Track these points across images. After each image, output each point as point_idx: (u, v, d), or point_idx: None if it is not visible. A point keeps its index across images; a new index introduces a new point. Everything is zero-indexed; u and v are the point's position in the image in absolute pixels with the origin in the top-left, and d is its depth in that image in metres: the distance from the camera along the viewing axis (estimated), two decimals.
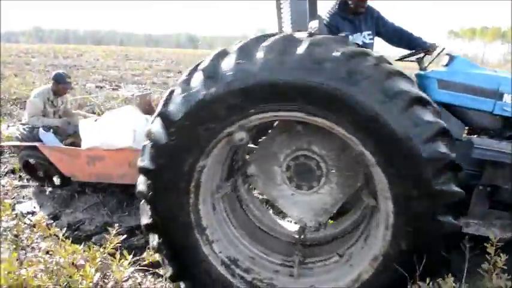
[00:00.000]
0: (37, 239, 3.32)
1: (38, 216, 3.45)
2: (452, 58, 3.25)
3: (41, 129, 5.17)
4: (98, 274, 2.35)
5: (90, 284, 2.22)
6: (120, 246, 3.32)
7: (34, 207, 4.66)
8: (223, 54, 2.37)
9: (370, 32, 3.93)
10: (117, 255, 2.75)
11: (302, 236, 3.18)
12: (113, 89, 13.66)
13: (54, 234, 2.72)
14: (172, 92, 2.44)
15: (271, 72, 2.22)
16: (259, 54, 2.25)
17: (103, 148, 4.51)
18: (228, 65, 2.29)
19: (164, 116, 2.39)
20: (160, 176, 2.46)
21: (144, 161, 2.47)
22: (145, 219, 2.62)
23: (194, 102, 2.31)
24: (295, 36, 2.36)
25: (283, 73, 2.20)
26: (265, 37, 2.40)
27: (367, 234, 2.78)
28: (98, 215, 4.43)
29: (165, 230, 2.59)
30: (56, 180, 5.06)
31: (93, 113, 8.51)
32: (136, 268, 2.87)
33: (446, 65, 3.25)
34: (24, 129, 5.34)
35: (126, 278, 2.63)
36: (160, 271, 3.26)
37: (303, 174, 2.79)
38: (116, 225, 4.13)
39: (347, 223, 3.27)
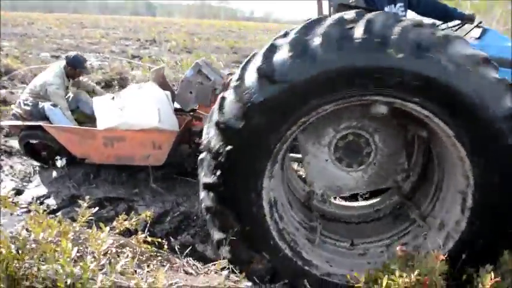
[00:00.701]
0: (3, 216, 3.20)
1: (2, 192, 3.31)
2: (484, 31, 3.22)
3: (48, 104, 4.64)
4: (76, 249, 2.29)
5: (68, 259, 2.16)
6: (90, 219, 3.28)
7: None
8: (273, 49, 2.24)
9: (402, 4, 3.82)
10: (93, 228, 2.70)
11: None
12: None
13: (35, 210, 2.61)
14: (224, 98, 2.32)
15: (352, 58, 2.14)
16: (326, 42, 2.14)
17: (123, 128, 4.14)
18: (283, 59, 2.17)
19: (223, 126, 2.28)
20: (226, 189, 2.38)
21: (208, 176, 2.37)
22: (217, 235, 2.55)
23: (253, 105, 2.21)
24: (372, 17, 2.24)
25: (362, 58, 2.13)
26: (314, 23, 2.27)
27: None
28: (63, 188, 4.29)
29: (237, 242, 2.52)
30: (61, 162, 4.63)
31: None
32: (112, 239, 2.82)
33: (479, 38, 3.21)
34: (26, 104, 4.74)
35: (104, 251, 2.58)
36: (133, 240, 3.26)
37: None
38: (84, 198, 4.10)
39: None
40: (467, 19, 3.64)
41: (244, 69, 2.32)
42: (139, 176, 4.35)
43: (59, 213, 3.90)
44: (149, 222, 3.52)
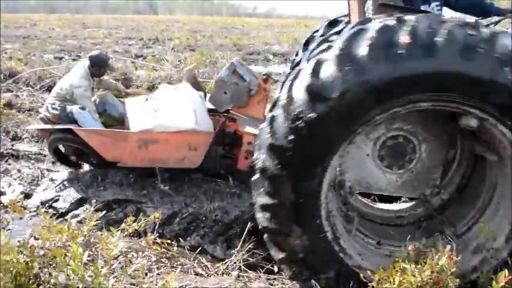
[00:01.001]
0: (13, 220, 3.20)
1: (10, 197, 3.31)
2: None
3: (76, 108, 4.52)
4: (87, 253, 2.28)
5: (79, 264, 2.15)
6: (99, 222, 3.27)
7: (2, 188, 4.47)
8: (319, 65, 2.19)
9: (438, 3, 3.78)
10: (104, 232, 2.69)
11: None
12: (73, 59, 13.04)
13: (43, 215, 2.61)
14: (273, 118, 2.29)
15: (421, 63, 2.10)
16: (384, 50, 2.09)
17: (159, 130, 4.03)
18: (331, 75, 2.14)
19: (274, 147, 2.26)
20: (283, 207, 2.36)
21: (264, 197, 2.36)
22: (278, 254, 2.53)
23: (305, 124, 2.18)
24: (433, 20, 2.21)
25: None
26: (357, 34, 2.21)
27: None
28: (71, 191, 4.30)
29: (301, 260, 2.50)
30: (91, 165, 4.60)
31: (55, 85, 8.16)
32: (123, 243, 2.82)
33: None
34: (54, 108, 4.63)
35: (117, 255, 2.58)
36: (143, 242, 3.27)
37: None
38: (93, 200, 4.10)
39: None
40: (505, 13, 3.54)
41: (291, 86, 2.28)
42: (147, 178, 4.34)
43: (67, 217, 3.92)
44: (158, 223, 3.53)
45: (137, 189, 4.22)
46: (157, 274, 3.00)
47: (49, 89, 8.21)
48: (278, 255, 2.54)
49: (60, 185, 4.38)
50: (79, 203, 4.07)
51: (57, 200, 4.17)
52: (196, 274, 3.16)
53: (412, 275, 2.17)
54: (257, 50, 15.15)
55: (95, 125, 4.44)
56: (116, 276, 2.49)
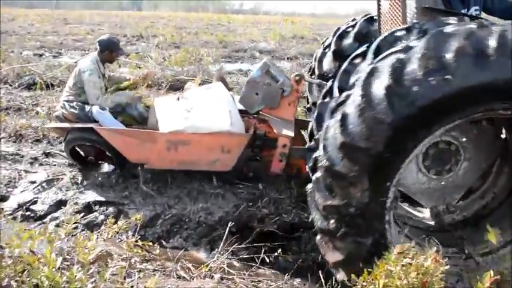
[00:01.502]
0: None
1: None
2: None
3: (96, 108, 4.33)
4: (60, 259, 2.20)
5: (53, 270, 2.07)
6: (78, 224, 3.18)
7: None
8: (400, 64, 2.14)
9: (477, 8, 3.73)
10: (80, 236, 2.61)
11: None
12: (54, 56, 12.78)
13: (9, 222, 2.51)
14: (345, 116, 2.23)
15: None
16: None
17: (191, 131, 3.86)
18: (415, 77, 2.08)
19: (348, 146, 2.20)
20: (351, 210, 2.29)
21: (329, 198, 2.30)
22: (333, 257, 2.46)
23: (383, 125, 2.12)
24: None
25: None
26: (440, 36, 2.19)
27: None
28: (50, 192, 4.17)
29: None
30: (109, 166, 4.45)
31: (34, 83, 7.96)
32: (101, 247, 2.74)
33: None
34: (73, 107, 4.38)
35: (94, 259, 2.49)
36: (124, 245, 3.19)
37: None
38: (72, 202, 3.99)
39: None
40: None
41: (367, 85, 2.21)
42: (129, 179, 4.24)
43: (46, 220, 3.81)
44: (140, 225, 3.45)
45: (119, 191, 4.12)
46: (138, 278, 2.94)
47: (28, 86, 8.02)
48: (334, 257, 2.46)
49: (39, 187, 4.26)
50: (58, 205, 3.95)
51: (35, 203, 4.04)
52: (179, 277, 3.09)
53: (398, 278, 2.14)
54: (243, 47, 15.02)
55: (116, 125, 4.27)
56: (94, 281, 2.41)
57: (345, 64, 3.04)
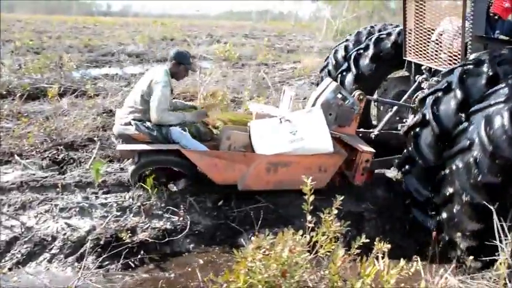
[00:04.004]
0: None
1: None
2: None
3: (178, 129, 3.99)
4: None
5: None
6: None
7: None
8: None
9: (498, 31, 3.87)
10: None
11: None
12: None
13: None
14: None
15: None
16: None
17: (298, 154, 3.94)
18: None
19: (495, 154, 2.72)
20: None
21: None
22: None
23: None
24: None
25: None
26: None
27: None
28: None
29: None
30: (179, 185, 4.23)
31: None
32: None
33: None
34: (148, 127, 3.97)
35: None
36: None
37: None
38: None
39: None
40: None
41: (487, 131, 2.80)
42: None
43: None
44: None
45: None
46: None
47: None
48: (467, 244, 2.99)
49: None
50: None
51: None
52: None
53: (259, 273, 2.23)
54: (110, 51, 14.38)
55: (200, 146, 4.05)
56: None
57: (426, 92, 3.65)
